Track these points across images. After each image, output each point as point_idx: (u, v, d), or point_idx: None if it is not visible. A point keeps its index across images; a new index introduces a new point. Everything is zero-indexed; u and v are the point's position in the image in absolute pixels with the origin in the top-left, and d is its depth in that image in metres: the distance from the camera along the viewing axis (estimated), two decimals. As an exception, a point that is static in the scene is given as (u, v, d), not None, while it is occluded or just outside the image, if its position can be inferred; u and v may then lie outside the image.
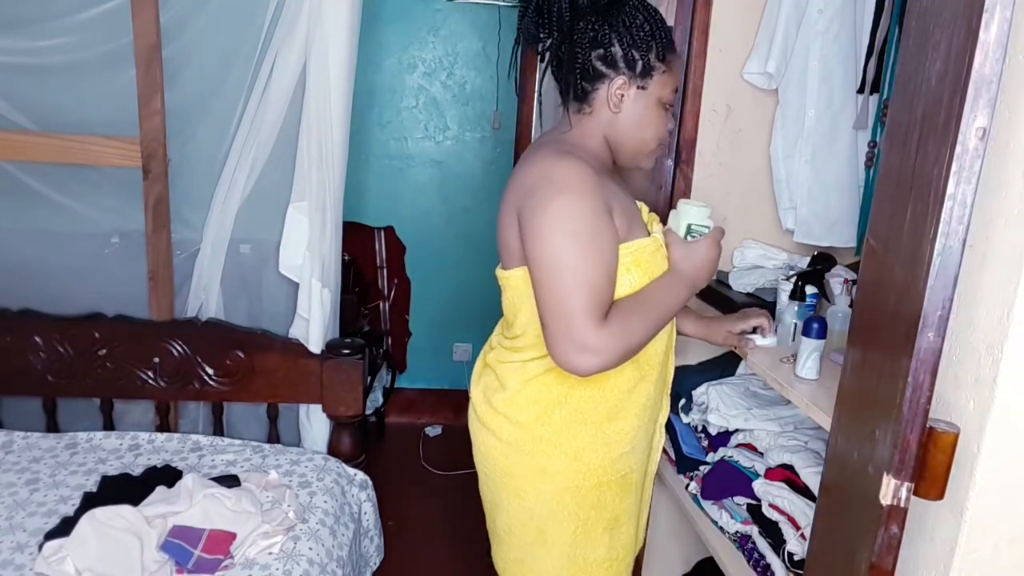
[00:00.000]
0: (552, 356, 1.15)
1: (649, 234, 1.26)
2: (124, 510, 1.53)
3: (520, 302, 1.26)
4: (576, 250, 1.12)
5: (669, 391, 1.44)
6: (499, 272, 1.30)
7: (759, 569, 1.46)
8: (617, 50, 1.20)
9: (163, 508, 1.58)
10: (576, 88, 1.25)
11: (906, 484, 0.88)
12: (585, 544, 1.33)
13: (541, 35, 1.24)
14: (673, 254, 1.28)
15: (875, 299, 0.98)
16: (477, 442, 1.38)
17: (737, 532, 1.56)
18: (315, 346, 1.98)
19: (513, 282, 1.26)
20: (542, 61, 1.28)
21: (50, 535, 1.53)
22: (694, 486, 1.71)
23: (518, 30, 1.26)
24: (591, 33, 1.20)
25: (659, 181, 1.79)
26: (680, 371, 1.83)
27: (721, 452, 1.66)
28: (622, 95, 1.22)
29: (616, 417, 1.28)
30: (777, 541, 1.43)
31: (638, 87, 1.22)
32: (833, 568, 1.06)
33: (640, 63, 1.21)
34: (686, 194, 1.79)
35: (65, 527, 1.53)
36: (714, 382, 1.75)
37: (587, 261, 1.12)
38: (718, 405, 1.67)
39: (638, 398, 1.30)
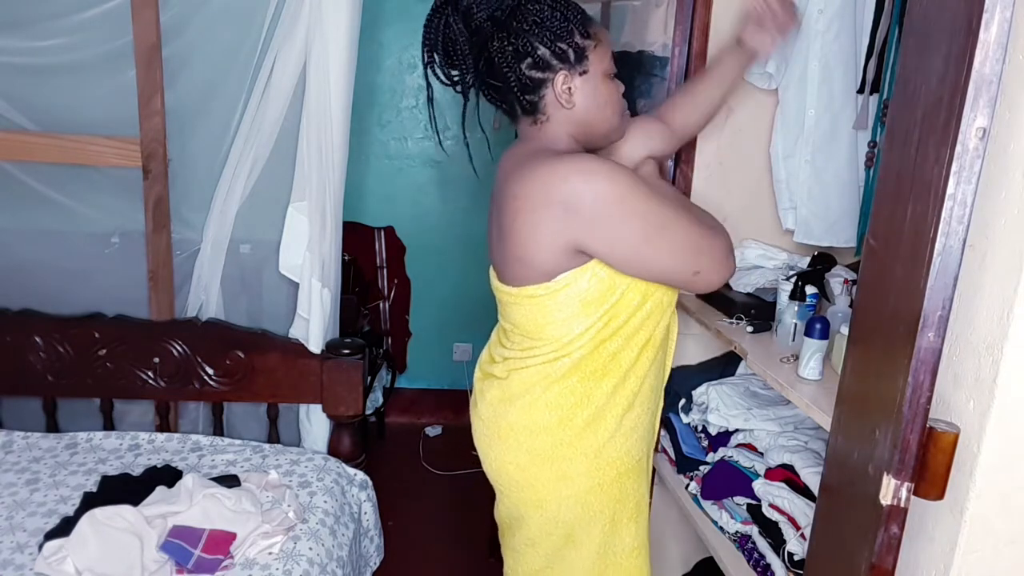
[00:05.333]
0: (708, 288, 1.23)
1: None
2: (124, 510, 1.53)
3: (545, 314, 1.23)
4: (655, 204, 1.16)
5: (669, 369, 1.43)
6: (510, 289, 1.26)
7: (759, 569, 1.46)
8: (543, 51, 1.18)
9: (163, 508, 1.58)
10: (522, 104, 1.23)
11: (906, 484, 0.88)
12: (614, 537, 1.34)
13: (455, 76, 1.23)
14: None
15: (875, 299, 0.98)
16: (490, 458, 1.36)
17: (737, 532, 1.56)
18: (315, 346, 1.98)
19: (536, 298, 1.22)
20: (467, 99, 1.25)
21: (50, 535, 1.53)
22: (694, 486, 1.71)
23: (427, 80, 1.24)
24: (510, 48, 1.18)
25: (659, 181, 1.79)
26: (680, 371, 1.83)
27: (721, 452, 1.66)
28: (569, 88, 1.20)
29: (633, 406, 1.29)
30: (777, 541, 1.43)
31: (580, 74, 1.20)
32: (833, 568, 1.06)
33: (571, 51, 1.19)
34: (686, 195, 1.79)
35: (65, 527, 1.53)
36: (714, 382, 1.75)
37: (667, 202, 1.18)
38: (718, 405, 1.67)
39: (650, 381, 1.31)
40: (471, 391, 1.45)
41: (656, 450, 1.88)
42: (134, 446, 1.95)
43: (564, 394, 1.26)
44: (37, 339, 1.96)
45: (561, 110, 1.22)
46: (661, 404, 1.43)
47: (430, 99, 1.27)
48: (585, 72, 1.21)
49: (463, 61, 1.21)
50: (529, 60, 1.19)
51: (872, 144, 1.59)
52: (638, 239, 1.15)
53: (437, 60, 1.23)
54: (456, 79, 1.23)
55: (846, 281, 1.53)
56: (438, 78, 1.25)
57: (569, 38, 1.18)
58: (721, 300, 1.70)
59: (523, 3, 1.17)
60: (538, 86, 1.21)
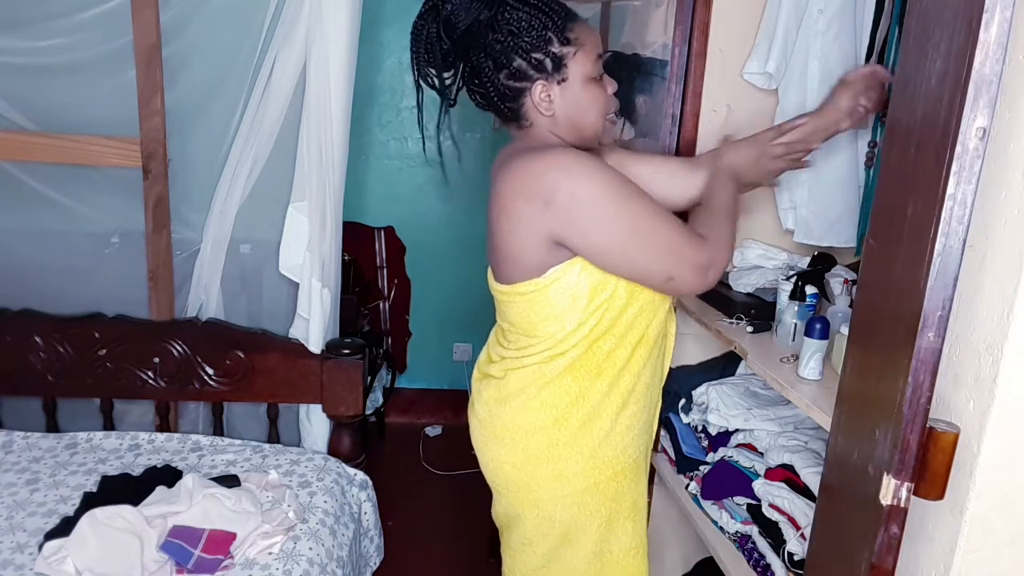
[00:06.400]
0: (683, 294, 1.28)
1: None
2: (124, 510, 1.53)
3: (538, 311, 1.24)
4: (634, 206, 1.16)
5: (667, 368, 1.43)
6: (503, 287, 1.27)
7: (759, 569, 1.46)
8: (520, 62, 1.18)
9: (163, 508, 1.58)
10: (504, 111, 1.25)
11: (906, 484, 0.88)
12: (610, 537, 1.34)
13: (438, 82, 1.24)
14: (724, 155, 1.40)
15: (875, 299, 0.98)
16: (486, 458, 1.37)
17: (737, 532, 1.56)
18: (315, 346, 1.98)
19: (527, 295, 1.23)
20: (451, 104, 1.27)
21: (50, 535, 1.53)
22: (694, 486, 1.71)
23: (416, 84, 1.26)
24: (489, 60, 1.19)
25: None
26: (680, 371, 1.83)
27: (721, 452, 1.66)
28: (548, 96, 1.21)
29: (628, 404, 1.29)
30: (777, 541, 1.43)
31: (558, 82, 1.20)
32: (833, 568, 1.06)
33: (548, 60, 1.19)
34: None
35: (65, 527, 1.53)
36: (714, 382, 1.75)
37: (647, 206, 1.17)
38: (718, 405, 1.67)
39: (644, 379, 1.31)
40: (471, 392, 1.45)
41: (656, 450, 1.88)
42: (134, 446, 1.95)
43: (559, 393, 1.26)
44: (37, 339, 1.96)
45: (541, 117, 1.24)
46: (659, 403, 1.43)
47: (419, 105, 1.28)
48: (564, 80, 1.21)
49: (446, 68, 1.23)
50: (506, 71, 1.20)
51: (872, 144, 1.59)
52: (612, 237, 1.15)
53: (423, 66, 1.24)
54: (438, 85, 1.25)
55: (846, 281, 1.53)
56: (426, 82, 1.26)
57: (545, 47, 1.18)
58: (721, 300, 1.70)
59: (500, 12, 1.17)
60: (517, 95, 1.22)
